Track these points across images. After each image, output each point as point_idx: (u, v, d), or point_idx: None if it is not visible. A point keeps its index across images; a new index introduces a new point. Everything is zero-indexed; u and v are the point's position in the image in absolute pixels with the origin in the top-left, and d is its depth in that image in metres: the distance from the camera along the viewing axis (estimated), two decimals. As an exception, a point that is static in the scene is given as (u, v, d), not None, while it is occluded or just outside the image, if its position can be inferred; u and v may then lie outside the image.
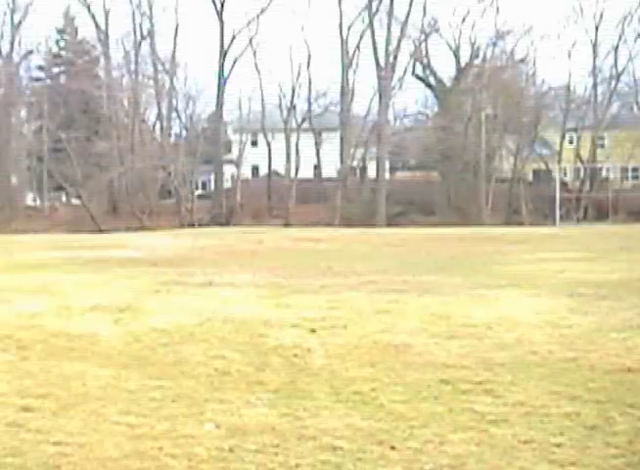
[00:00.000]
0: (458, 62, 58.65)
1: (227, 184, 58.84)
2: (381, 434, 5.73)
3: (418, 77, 59.71)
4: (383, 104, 55.11)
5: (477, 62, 58.25)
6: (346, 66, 56.52)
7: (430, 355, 8.16)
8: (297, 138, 57.22)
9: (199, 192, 58.61)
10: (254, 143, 62.99)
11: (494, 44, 57.12)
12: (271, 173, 57.95)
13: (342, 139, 57.02)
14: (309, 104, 58.52)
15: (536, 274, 15.63)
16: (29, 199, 58.91)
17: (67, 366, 7.97)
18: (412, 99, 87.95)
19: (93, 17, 58.02)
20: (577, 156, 56.87)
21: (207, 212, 54.84)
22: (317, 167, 60.30)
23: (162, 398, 6.75)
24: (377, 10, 55.86)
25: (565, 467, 5.10)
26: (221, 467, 5.19)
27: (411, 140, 66.29)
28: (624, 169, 58.67)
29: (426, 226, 41.99)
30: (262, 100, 57.95)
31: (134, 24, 58.27)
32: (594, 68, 57.90)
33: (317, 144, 59.64)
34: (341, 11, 56.45)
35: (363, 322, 9.93)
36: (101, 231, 43.99)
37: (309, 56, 57.06)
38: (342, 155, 56.59)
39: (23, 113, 60.10)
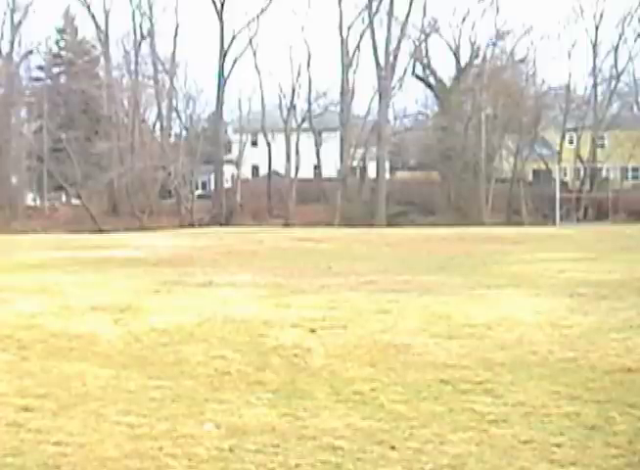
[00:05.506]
0: (458, 62, 58.71)
1: (227, 184, 58.84)
2: (381, 434, 5.73)
3: (418, 77, 59.78)
4: (383, 104, 55.13)
5: (477, 62, 58.32)
6: (346, 66, 56.56)
7: (430, 355, 8.15)
8: (297, 138, 57.22)
9: (199, 192, 58.62)
10: (254, 143, 63.00)
11: (494, 44, 57.25)
12: (271, 173, 57.95)
13: (342, 139, 57.05)
14: (309, 104, 58.55)
15: (536, 274, 15.61)
16: (29, 199, 58.91)
17: (67, 366, 7.96)
18: (412, 99, 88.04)
19: (93, 17, 58.17)
20: (577, 156, 56.87)
21: (207, 212, 54.85)
22: (317, 167, 60.29)
23: (162, 398, 6.75)
24: (377, 10, 55.93)
25: (565, 467, 5.10)
26: (221, 467, 5.18)
27: (411, 140, 66.36)
28: (624, 169, 58.66)
29: (426, 226, 41.98)
30: (262, 100, 58.09)
31: (134, 24, 58.49)
32: (594, 68, 58.01)
33: (317, 144, 59.63)
34: (341, 11, 56.65)
35: (363, 322, 9.91)
36: (101, 231, 43.98)
37: (309, 56, 57.23)
38: (342, 155, 56.61)
39: (23, 113, 60.11)
